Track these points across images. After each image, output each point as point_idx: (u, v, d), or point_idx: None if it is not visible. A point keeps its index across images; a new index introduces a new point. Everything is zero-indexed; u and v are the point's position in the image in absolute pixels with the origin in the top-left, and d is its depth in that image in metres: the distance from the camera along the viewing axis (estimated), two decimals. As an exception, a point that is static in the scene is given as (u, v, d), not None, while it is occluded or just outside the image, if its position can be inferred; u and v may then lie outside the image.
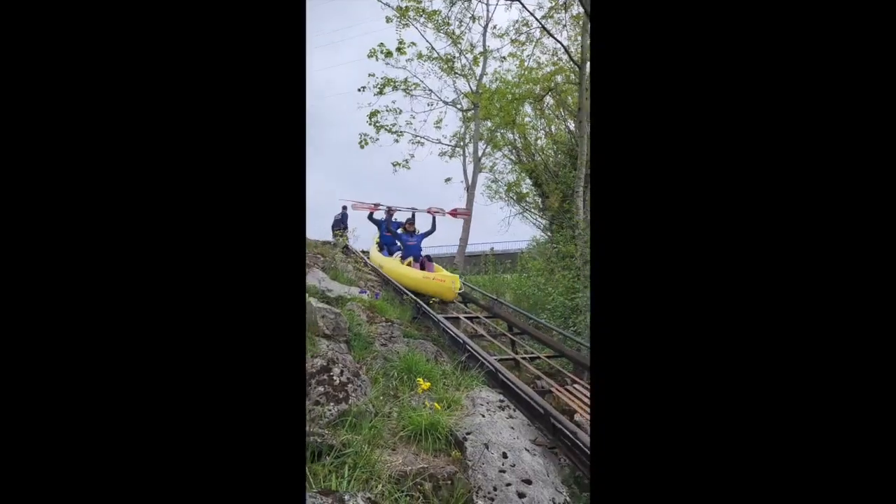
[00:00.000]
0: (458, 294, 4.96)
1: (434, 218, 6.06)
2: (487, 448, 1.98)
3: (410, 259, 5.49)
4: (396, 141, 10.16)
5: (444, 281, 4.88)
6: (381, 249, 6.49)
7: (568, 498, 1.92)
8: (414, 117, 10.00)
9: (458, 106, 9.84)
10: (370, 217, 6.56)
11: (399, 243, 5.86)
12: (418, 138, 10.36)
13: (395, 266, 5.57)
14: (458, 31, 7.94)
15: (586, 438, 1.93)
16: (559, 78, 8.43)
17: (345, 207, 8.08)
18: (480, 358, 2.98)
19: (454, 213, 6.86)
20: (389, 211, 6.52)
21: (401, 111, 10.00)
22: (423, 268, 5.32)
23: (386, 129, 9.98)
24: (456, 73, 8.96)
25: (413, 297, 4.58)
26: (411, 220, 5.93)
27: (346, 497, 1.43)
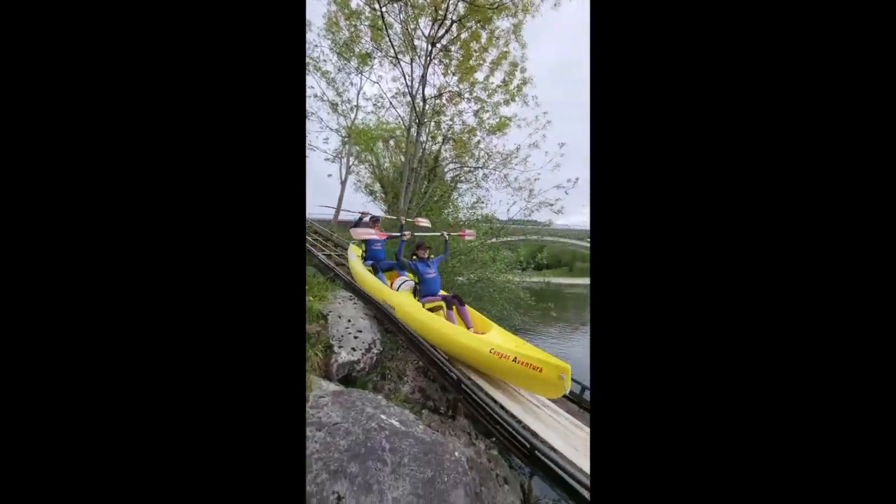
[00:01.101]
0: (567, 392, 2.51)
1: (446, 241, 3.99)
2: (340, 318, 3.92)
3: (438, 301, 3.52)
4: (297, 148, 15.00)
5: (540, 370, 2.36)
6: (364, 260, 4.76)
7: (379, 337, 4.03)
8: (308, 134, 15.21)
9: (339, 132, 15.45)
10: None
11: (412, 275, 3.83)
12: (312, 147, 16.15)
13: (416, 312, 3.43)
14: (341, 88, 13.84)
15: (390, 310, 3.93)
16: (398, 132, 14.41)
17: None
18: (340, 275, 4.99)
19: (463, 235, 4.72)
20: (374, 219, 5.04)
21: (302, 130, 15.75)
22: (449, 307, 3.32)
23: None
24: (339, 112, 15.10)
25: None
26: (423, 244, 3.82)
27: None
